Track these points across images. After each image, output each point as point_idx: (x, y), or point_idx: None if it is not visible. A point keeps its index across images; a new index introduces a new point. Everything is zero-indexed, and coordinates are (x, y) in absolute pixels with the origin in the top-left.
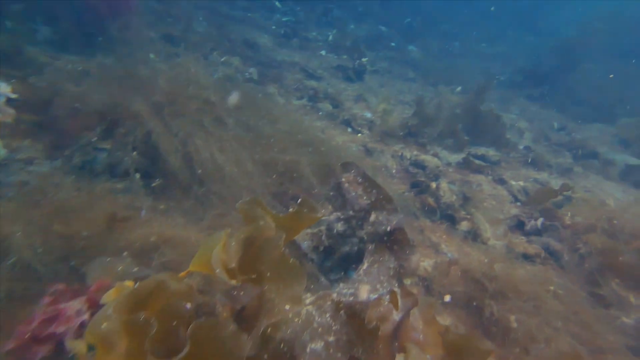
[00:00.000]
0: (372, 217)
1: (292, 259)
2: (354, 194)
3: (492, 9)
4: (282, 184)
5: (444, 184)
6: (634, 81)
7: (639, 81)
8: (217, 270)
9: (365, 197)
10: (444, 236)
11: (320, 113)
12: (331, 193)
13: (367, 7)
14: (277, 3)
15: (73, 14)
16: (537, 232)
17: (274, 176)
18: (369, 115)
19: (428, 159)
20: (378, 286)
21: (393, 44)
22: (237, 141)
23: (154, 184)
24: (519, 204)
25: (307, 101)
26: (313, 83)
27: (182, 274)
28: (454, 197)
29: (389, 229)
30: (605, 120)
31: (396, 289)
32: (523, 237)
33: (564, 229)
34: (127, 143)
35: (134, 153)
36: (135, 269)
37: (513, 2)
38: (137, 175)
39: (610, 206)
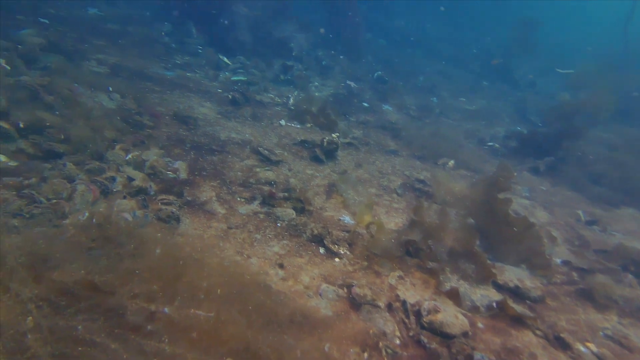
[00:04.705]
0: None
1: None
2: None
3: (443, 8)
4: None
5: None
6: None
7: None
8: None
9: None
10: None
11: (278, 224)
12: None
13: (332, 59)
14: (224, 59)
15: None
16: None
17: None
18: (347, 219)
19: (449, 320)
20: None
21: (366, 104)
22: None
23: None
24: None
25: (260, 205)
26: (269, 174)
27: None
28: None
29: None
30: (634, 203)
31: None
32: None
33: None
34: None
35: None
36: None
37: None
38: None
39: None
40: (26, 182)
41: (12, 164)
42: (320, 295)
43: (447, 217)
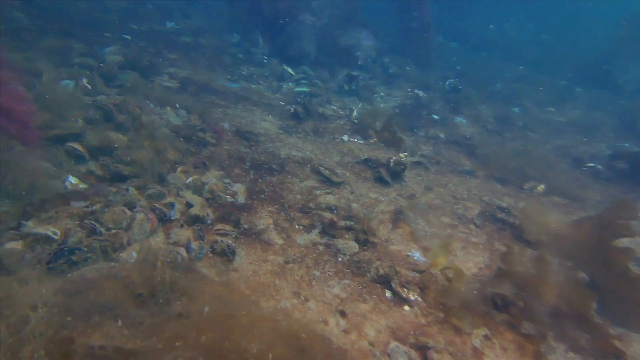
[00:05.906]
0: None
1: None
2: None
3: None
4: None
5: None
6: None
7: None
8: None
9: None
10: None
11: (339, 259)
12: None
13: (399, 66)
14: (288, 69)
15: None
16: None
17: None
18: (417, 255)
19: None
20: None
21: (436, 117)
22: None
23: None
24: None
25: (320, 235)
26: (330, 198)
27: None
28: None
29: None
30: None
31: None
32: None
33: None
34: None
35: None
36: None
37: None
38: None
39: None
40: (90, 209)
41: (82, 186)
42: (388, 356)
43: (548, 267)
